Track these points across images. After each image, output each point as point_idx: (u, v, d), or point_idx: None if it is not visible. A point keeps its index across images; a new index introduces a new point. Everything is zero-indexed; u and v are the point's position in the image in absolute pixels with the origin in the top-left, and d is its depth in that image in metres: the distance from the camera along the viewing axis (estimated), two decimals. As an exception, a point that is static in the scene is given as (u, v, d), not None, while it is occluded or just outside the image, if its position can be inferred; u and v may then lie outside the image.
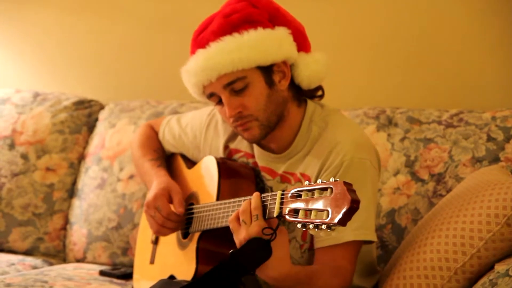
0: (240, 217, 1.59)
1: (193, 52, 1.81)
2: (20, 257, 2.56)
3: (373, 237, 1.77)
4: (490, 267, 1.69)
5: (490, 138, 2.09)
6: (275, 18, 1.80)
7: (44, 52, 3.05)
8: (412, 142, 2.20)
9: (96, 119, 2.76)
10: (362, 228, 1.74)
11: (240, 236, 1.57)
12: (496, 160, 2.06)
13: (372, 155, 1.80)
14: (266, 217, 1.56)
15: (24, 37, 3.07)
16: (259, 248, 1.54)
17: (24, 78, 3.07)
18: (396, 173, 2.18)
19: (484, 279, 1.64)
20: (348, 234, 1.72)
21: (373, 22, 2.54)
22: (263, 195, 1.59)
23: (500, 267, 1.62)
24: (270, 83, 1.79)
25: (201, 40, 1.79)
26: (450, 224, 1.76)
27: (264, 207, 1.57)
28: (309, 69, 1.83)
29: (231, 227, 1.61)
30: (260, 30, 1.76)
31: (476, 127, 2.13)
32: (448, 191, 2.07)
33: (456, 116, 2.20)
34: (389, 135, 2.24)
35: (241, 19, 1.77)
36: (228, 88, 1.77)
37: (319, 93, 1.91)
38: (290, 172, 1.85)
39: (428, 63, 2.48)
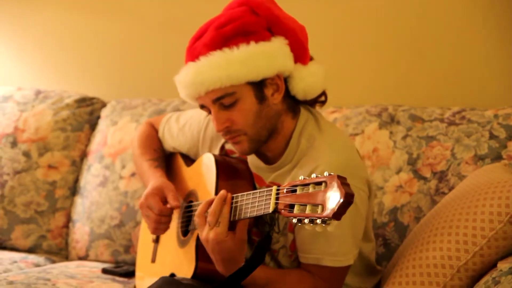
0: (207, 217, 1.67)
1: (186, 62, 1.79)
2: (22, 254, 2.56)
3: (348, 261, 1.75)
4: (493, 265, 1.69)
5: (492, 136, 2.09)
6: (274, 26, 1.75)
7: (46, 50, 3.05)
8: (414, 140, 2.19)
9: (98, 117, 2.75)
10: (338, 254, 1.73)
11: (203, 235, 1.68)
12: (498, 158, 2.05)
13: (355, 179, 1.71)
14: (236, 219, 1.64)
15: (26, 35, 3.06)
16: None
17: (26, 76, 3.07)
18: (399, 171, 2.18)
19: (487, 277, 1.63)
20: (325, 258, 1.74)
21: (376, 20, 2.54)
22: (259, 190, 1.60)
23: (503, 265, 1.62)
24: (261, 98, 1.76)
25: (193, 51, 1.76)
26: (453, 222, 1.75)
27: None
28: (304, 82, 1.79)
29: (196, 221, 1.69)
30: (252, 45, 1.72)
31: (479, 125, 2.13)
32: (451, 189, 2.06)
33: (458, 114, 2.19)
34: (391, 132, 2.24)
35: (235, 31, 1.72)
36: (217, 103, 1.75)
37: (322, 98, 1.88)
38: (277, 183, 1.80)
39: (430, 61, 2.48)
